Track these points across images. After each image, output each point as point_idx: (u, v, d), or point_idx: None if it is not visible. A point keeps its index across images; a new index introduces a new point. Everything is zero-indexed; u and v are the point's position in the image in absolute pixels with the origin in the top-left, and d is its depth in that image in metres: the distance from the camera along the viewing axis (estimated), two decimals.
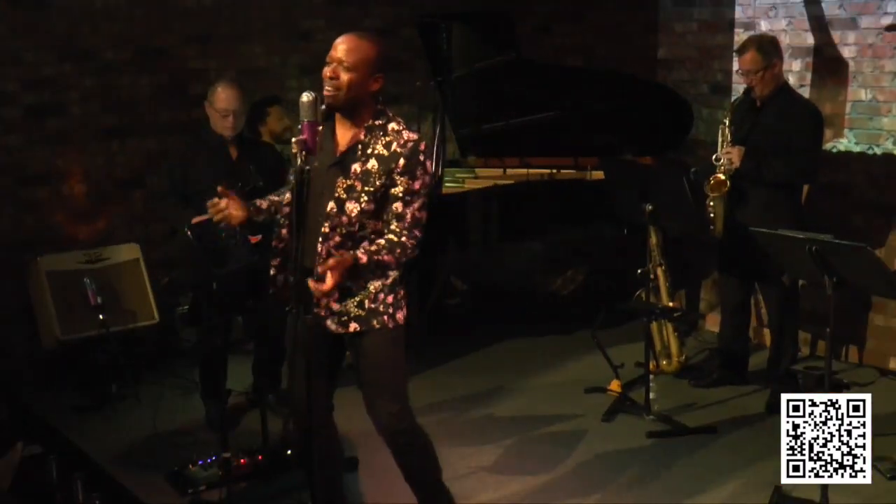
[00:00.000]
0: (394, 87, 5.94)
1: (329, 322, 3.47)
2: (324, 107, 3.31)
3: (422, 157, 3.39)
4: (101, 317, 5.22)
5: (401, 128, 3.43)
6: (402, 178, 3.37)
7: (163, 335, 5.80)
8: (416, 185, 3.39)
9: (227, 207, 3.48)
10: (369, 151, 3.39)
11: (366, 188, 3.37)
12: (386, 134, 3.40)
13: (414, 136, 3.41)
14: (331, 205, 3.40)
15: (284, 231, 3.54)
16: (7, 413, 5.08)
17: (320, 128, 3.34)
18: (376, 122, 3.41)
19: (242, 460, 4.34)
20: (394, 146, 3.37)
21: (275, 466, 4.36)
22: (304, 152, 3.23)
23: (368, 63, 3.35)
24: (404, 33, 6.45)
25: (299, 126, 3.29)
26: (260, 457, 4.37)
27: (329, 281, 3.22)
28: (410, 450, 3.65)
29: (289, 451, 4.36)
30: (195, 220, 4.53)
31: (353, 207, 3.38)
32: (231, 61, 6.15)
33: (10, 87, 5.61)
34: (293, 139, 3.27)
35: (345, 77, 3.33)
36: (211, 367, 4.86)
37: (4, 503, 4.06)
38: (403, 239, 3.39)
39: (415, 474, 3.71)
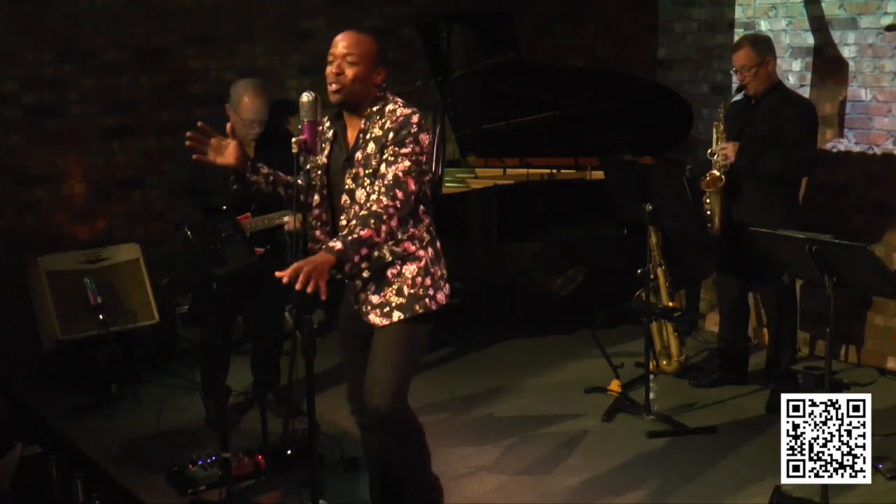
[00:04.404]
0: (394, 87, 5.94)
1: (372, 316, 3.45)
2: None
3: (414, 129, 3.32)
4: (101, 317, 5.22)
5: (396, 106, 3.39)
6: (391, 148, 3.31)
7: (163, 335, 5.80)
8: (404, 150, 3.30)
9: (226, 147, 3.39)
10: (367, 137, 3.38)
11: (366, 171, 3.35)
12: (383, 116, 3.38)
13: (408, 111, 3.37)
14: (343, 198, 3.41)
15: (318, 233, 3.52)
16: (7, 413, 5.07)
17: (320, 128, 3.35)
18: (373, 109, 3.41)
19: (243, 460, 4.35)
20: (387, 125, 3.35)
21: (275, 466, 4.36)
22: (304, 152, 3.23)
23: (371, 56, 3.38)
24: (404, 33, 6.46)
25: (299, 126, 3.29)
26: (260, 457, 4.37)
27: (300, 281, 3.01)
28: (394, 439, 3.53)
29: (289, 451, 4.36)
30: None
31: (361, 194, 3.37)
32: (231, 61, 6.15)
33: (10, 87, 5.61)
34: (293, 139, 3.28)
35: (350, 71, 3.36)
36: (211, 367, 4.86)
37: (4, 503, 4.05)
38: (378, 203, 3.23)
39: (398, 466, 3.61)
